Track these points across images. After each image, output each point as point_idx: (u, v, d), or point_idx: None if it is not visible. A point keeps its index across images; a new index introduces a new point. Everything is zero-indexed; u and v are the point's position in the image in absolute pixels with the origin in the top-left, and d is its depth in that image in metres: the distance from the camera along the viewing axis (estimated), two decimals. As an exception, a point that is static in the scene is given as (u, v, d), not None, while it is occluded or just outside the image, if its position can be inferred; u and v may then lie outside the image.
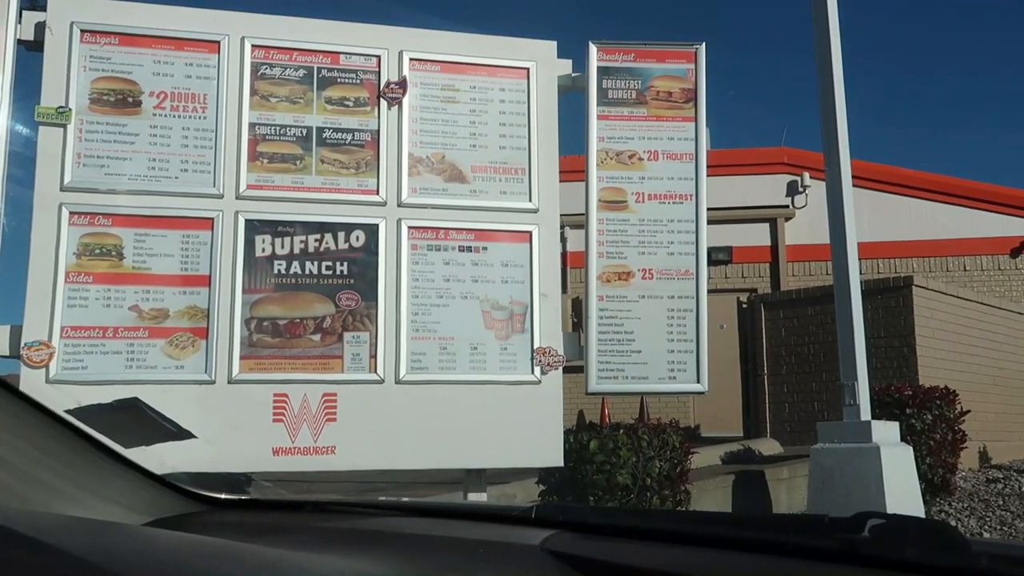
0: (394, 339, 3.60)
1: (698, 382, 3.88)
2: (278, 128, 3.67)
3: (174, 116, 3.57)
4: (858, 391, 5.32)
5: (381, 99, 3.77)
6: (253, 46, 3.68)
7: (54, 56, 3.48)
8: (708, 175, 3.99)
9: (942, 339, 9.77)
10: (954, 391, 7.82)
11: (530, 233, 3.80)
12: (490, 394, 3.67)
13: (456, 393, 3.64)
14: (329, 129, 3.71)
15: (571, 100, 4.03)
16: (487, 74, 3.90)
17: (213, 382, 3.43)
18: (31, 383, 3.21)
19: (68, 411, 1.27)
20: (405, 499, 1.69)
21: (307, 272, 3.58)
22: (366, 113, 3.76)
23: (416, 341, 3.64)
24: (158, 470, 1.38)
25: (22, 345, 3.29)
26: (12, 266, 3.47)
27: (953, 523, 6.33)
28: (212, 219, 3.53)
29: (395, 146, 3.74)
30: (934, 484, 7.16)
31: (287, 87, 3.70)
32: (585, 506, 4.68)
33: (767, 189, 13.56)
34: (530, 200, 3.83)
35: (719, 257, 12.69)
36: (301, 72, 3.72)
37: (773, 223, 13.49)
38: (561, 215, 3.89)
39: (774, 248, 13.41)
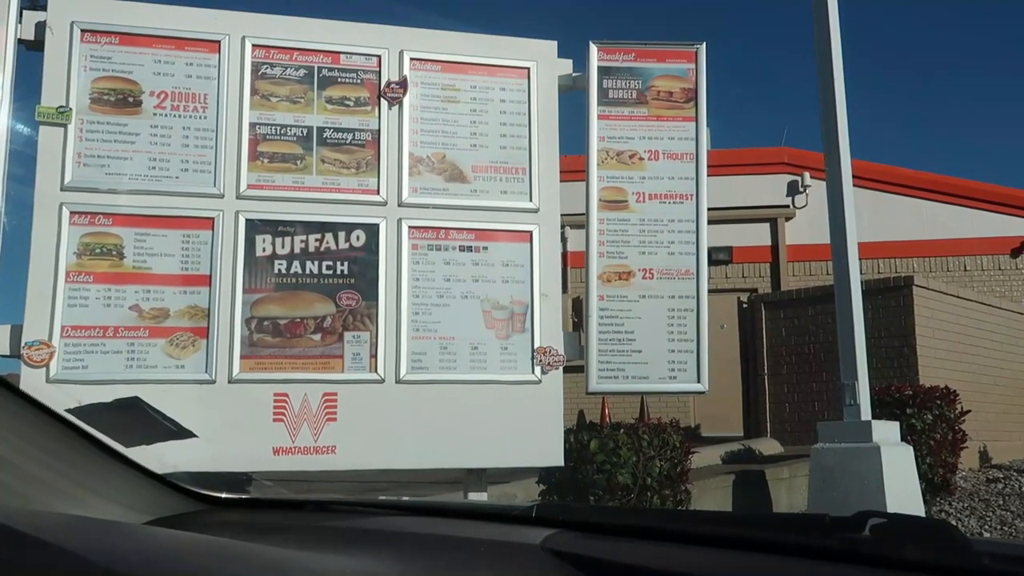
0: (394, 339, 3.60)
1: (698, 382, 3.88)
2: (279, 128, 3.67)
3: (175, 116, 3.57)
4: (858, 391, 5.32)
5: (382, 99, 3.77)
6: (254, 46, 3.68)
7: (55, 56, 3.48)
8: (708, 175, 3.99)
9: (942, 339, 9.77)
10: (954, 391, 7.82)
11: (531, 233, 3.80)
12: (490, 394, 3.67)
13: (456, 393, 3.64)
14: (330, 129, 3.71)
15: (572, 100, 4.04)
16: (488, 74, 3.90)
17: (213, 381, 3.43)
18: (31, 382, 3.21)
19: (69, 410, 1.27)
20: (406, 498, 1.69)
21: (307, 272, 3.58)
22: (367, 113, 3.76)
23: (416, 341, 3.64)
24: (159, 469, 1.38)
25: (22, 344, 3.29)
26: (12, 266, 3.47)
27: (953, 523, 6.33)
28: (212, 219, 3.53)
29: (395, 146, 3.74)
30: (934, 484, 7.16)
31: (288, 87, 3.70)
32: (586, 505, 4.68)
33: (767, 189, 13.56)
34: (531, 200, 3.83)
35: (719, 257, 12.69)
36: (302, 72, 3.72)
37: (773, 223, 13.49)
38: (562, 215, 3.89)
39: (774, 248, 13.41)
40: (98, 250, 3.42)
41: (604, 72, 4.00)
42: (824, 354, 10.05)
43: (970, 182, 13.85)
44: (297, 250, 3.59)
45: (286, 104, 3.69)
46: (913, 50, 39.42)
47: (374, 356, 3.58)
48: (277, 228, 3.58)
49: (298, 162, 3.66)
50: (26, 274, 3.35)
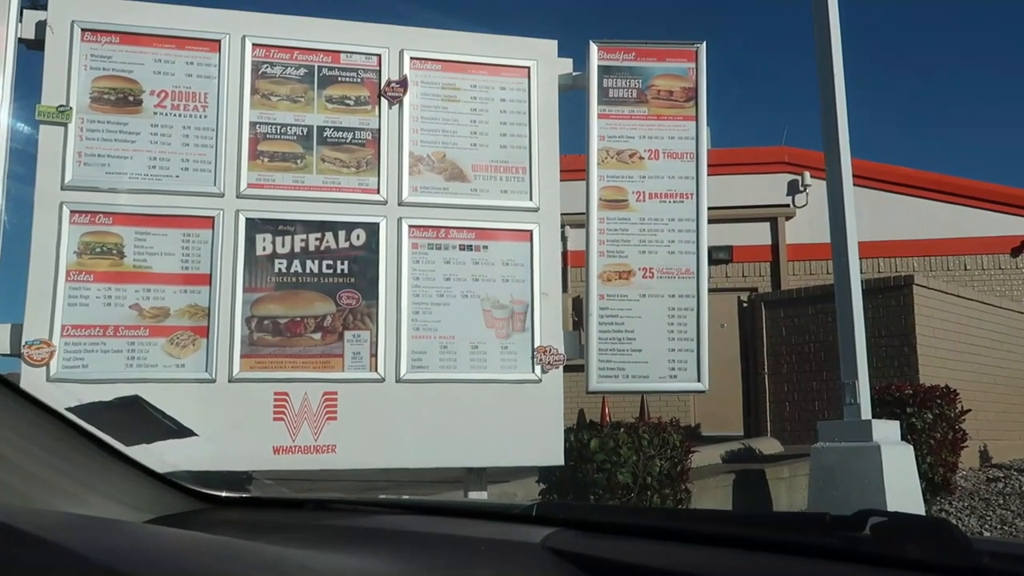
0: (395, 338, 3.60)
1: (699, 381, 3.88)
2: (279, 127, 3.67)
3: (175, 115, 3.57)
4: (859, 390, 5.32)
5: (382, 98, 3.77)
6: (254, 45, 3.68)
7: (55, 55, 3.48)
8: (709, 174, 3.99)
9: (942, 338, 9.77)
10: (954, 390, 7.83)
11: (531, 232, 3.80)
12: (491, 393, 3.67)
13: (457, 392, 3.64)
14: (330, 128, 3.71)
15: (572, 99, 4.03)
16: (488, 73, 3.90)
17: (214, 380, 3.43)
18: (32, 381, 3.21)
19: (69, 409, 1.27)
20: (406, 497, 1.69)
21: (308, 271, 3.58)
22: (367, 112, 3.76)
23: (417, 340, 3.64)
24: (159, 468, 1.38)
25: (23, 343, 3.29)
26: (13, 264, 3.47)
27: (953, 522, 6.33)
28: (213, 218, 3.53)
29: (396, 145, 3.74)
30: (934, 483, 7.16)
31: (288, 86, 3.70)
32: (586, 504, 4.68)
33: (768, 188, 13.56)
34: (531, 199, 3.83)
35: (720, 256, 12.69)
36: (302, 71, 3.72)
37: (774, 222, 13.49)
38: (562, 214, 3.89)
39: (775, 247, 13.41)
40: (98, 249, 3.43)
41: (604, 71, 4.00)
42: (824, 353, 10.05)
43: (970, 181, 13.86)
44: (297, 249, 3.59)
45: (286, 103, 3.69)
46: (913, 50, 39.42)
47: (374, 355, 3.58)
48: (277, 227, 3.58)
49: (298, 161, 3.66)
50: (26, 273, 3.35)
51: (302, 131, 3.68)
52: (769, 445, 9.26)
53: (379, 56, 3.80)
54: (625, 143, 3.97)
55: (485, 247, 3.77)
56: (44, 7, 3.50)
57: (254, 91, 3.66)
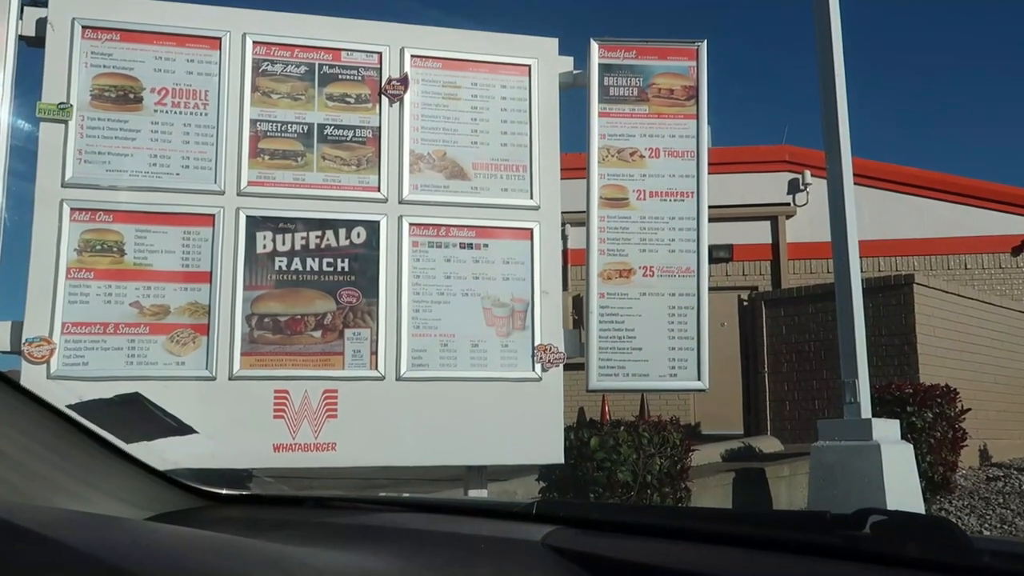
0: (395, 336, 3.60)
1: (699, 379, 3.88)
2: (279, 125, 3.67)
3: (175, 112, 3.57)
4: (859, 389, 5.32)
5: (382, 96, 3.77)
6: (254, 42, 3.68)
7: (55, 52, 3.48)
8: (709, 172, 3.99)
9: (943, 337, 9.77)
10: (955, 389, 7.83)
11: (531, 230, 3.80)
12: (491, 391, 3.67)
13: (457, 390, 3.64)
14: (330, 126, 3.71)
15: (572, 97, 4.03)
16: (488, 71, 3.90)
17: (214, 378, 3.43)
18: (32, 379, 3.21)
19: (70, 406, 1.27)
20: (406, 495, 1.69)
21: (308, 268, 3.58)
22: (367, 110, 3.76)
23: (417, 338, 3.64)
24: (160, 466, 1.38)
25: (23, 341, 3.29)
26: (13, 262, 3.47)
27: (953, 521, 6.33)
28: (213, 215, 3.53)
29: (396, 143, 3.74)
30: (934, 482, 7.17)
31: (288, 84, 3.70)
32: (586, 502, 4.68)
33: (768, 187, 13.56)
34: (531, 197, 3.83)
35: (720, 255, 12.69)
36: (302, 69, 3.72)
37: (774, 221, 13.49)
38: (562, 212, 3.89)
39: (775, 246, 13.41)
40: (99, 247, 3.43)
41: (605, 69, 4.00)
42: (824, 352, 10.05)
43: (971, 180, 13.85)
44: (298, 247, 3.59)
45: (287, 101, 3.69)
46: (913, 49, 39.39)
47: (374, 353, 3.58)
48: (278, 225, 3.58)
49: (299, 159, 3.66)
50: (27, 270, 3.35)
51: (303, 129, 3.68)
52: (769, 444, 9.27)
53: (380, 54, 3.79)
54: (626, 141, 3.97)
55: (485, 245, 3.77)
56: (45, 4, 3.50)
57: (255, 89, 3.66)
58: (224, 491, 1.49)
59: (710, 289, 3.99)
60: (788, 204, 13.54)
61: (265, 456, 3.39)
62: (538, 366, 3.72)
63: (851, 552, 0.98)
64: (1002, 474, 8.48)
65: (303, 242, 3.59)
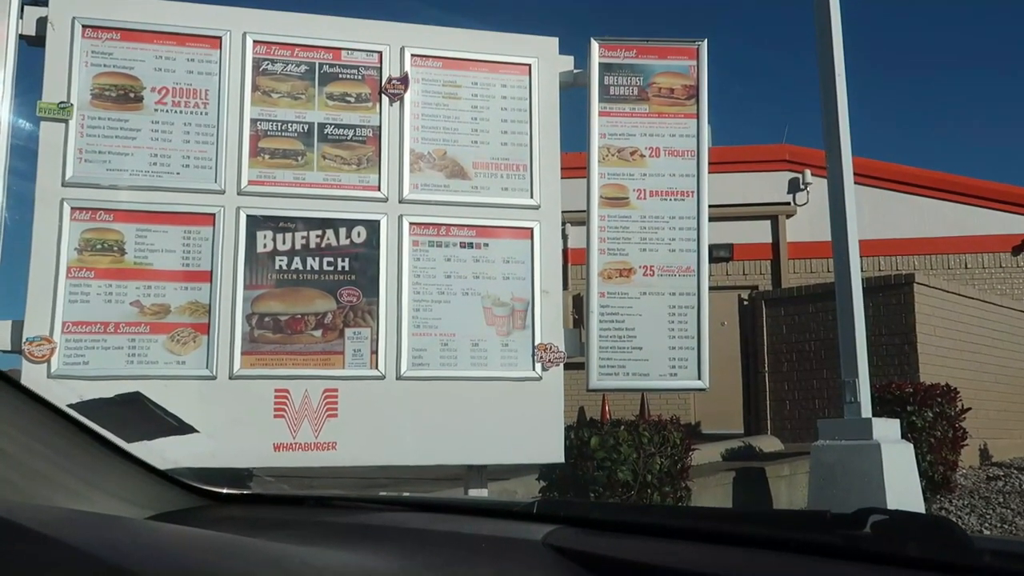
0: (395, 335, 3.61)
1: (699, 379, 3.88)
2: (280, 124, 3.67)
3: (176, 112, 3.57)
4: (859, 388, 5.32)
5: (383, 95, 3.77)
6: (255, 42, 3.68)
7: (56, 51, 3.48)
8: (709, 172, 3.99)
9: (943, 336, 9.77)
10: (955, 388, 7.83)
11: (531, 229, 3.80)
12: (491, 390, 3.67)
13: (457, 389, 3.64)
14: (331, 125, 3.71)
15: (573, 96, 4.03)
16: (489, 70, 3.90)
17: (214, 377, 3.43)
18: (33, 378, 3.22)
19: (70, 406, 1.27)
20: (406, 494, 1.69)
21: (308, 268, 3.58)
22: (368, 109, 3.76)
23: (417, 337, 3.64)
24: (160, 465, 1.38)
25: (23, 340, 3.29)
26: (13, 261, 3.47)
27: (953, 520, 6.34)
28: (214, 215, 3.53)
29: (397, 142, 3.74)
30: (935, 481, 7.17)
31: (289, 83, 3.70)
32: (586, 502, 4.68)
33: (768, 186, 13.56)
34: (531, 196, 3.83)
35: (720, 254, 12.69)
36: (303, 68, 3.72)
37: (774, 220, 13.49)
38: (562, 212, 3.89)
39: (775, 245, 13.41)
40: (99, 246, 3.43)
41: (605, 69, 4.00)
42: (825, 351, 10.05)
43: (971, 180, 13.86)
44: (298, 246, 3.59)
45: (287, 100, 3.69)
46: (913, 49, 39.37)
47: (375, 352, 3.58)
48: (278, 224, 3.58)
49: (299, 158, 3.66)
50: (27, 270, 3.35)
51: (303, 128, 3.68)
52: (769, 443, 9.27)
53: (380, 53, 3.79)
54: (626, 140, 3.97)
55: (486, 244, 3.77)
56: (45, 3, 3.50)
57: (255, 88, 3.66)
58: (225, 490, 1.49)
59: (710, 288, 3.99)
60: (788, 203, 13.54)
61: (265, 455, 3.39)
62: (538, 365, 3.72)
63: (851, 552, 0.98)
64: (1002, 473, 8.49)
65: (303, 241, 3.59)
